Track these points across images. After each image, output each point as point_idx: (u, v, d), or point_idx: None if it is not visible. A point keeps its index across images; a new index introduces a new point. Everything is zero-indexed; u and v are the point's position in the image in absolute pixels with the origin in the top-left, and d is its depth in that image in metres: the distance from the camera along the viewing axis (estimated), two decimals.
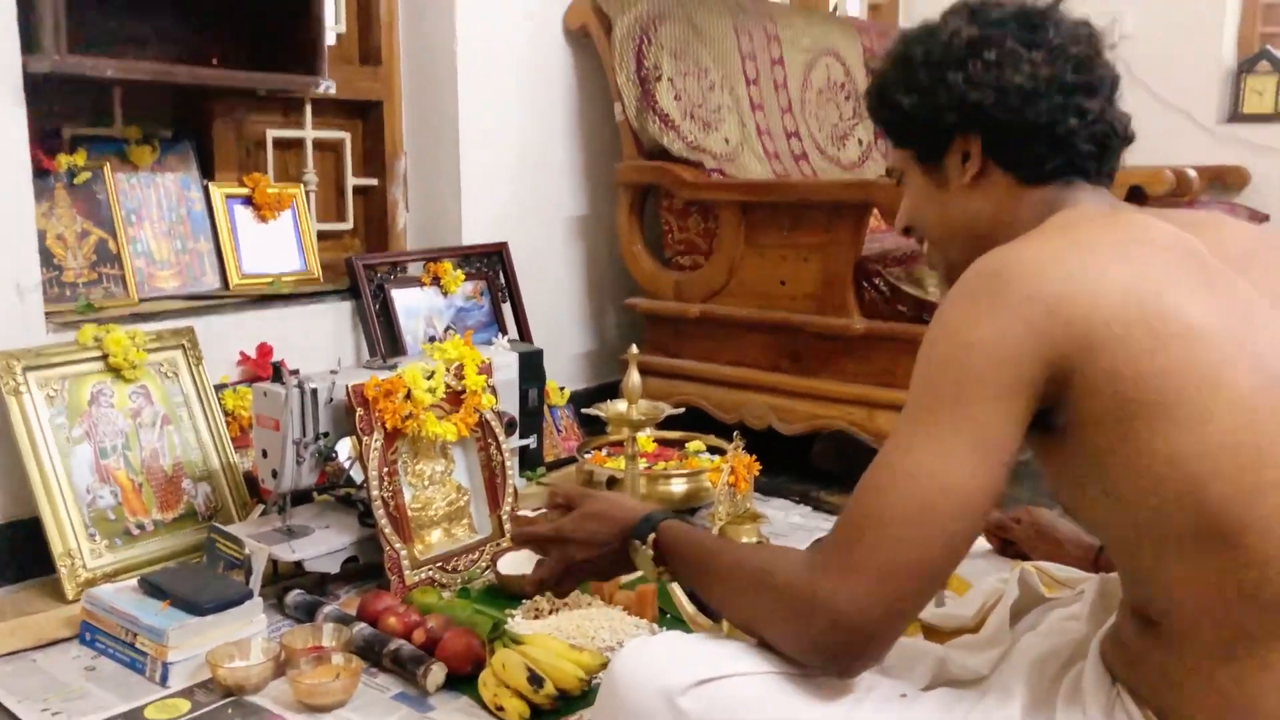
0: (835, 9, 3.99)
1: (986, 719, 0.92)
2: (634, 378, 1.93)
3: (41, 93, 1.89)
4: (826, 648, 0.88)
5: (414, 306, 2.48)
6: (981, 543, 1.41)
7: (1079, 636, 1.03)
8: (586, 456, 2.34)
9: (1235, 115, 4.28)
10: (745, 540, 1.94)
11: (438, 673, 1.48)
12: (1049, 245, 0.93)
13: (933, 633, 1.25)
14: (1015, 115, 1.01)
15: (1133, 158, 4.12)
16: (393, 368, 1.88)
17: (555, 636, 1.54)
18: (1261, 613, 0.84)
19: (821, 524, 2.19)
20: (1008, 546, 1.47)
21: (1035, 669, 0.97)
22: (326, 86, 2.23)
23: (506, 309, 2.65)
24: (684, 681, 0.94)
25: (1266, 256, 0.96)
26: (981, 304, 0.89)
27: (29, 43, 1.82)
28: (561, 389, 2.65)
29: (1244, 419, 0.84)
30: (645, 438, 2.38)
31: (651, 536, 1.07)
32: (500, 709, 1.42)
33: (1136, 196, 3.70)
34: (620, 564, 1.13)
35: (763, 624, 0.95)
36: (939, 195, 1.09)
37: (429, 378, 1.86)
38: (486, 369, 1.98)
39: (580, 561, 1.14)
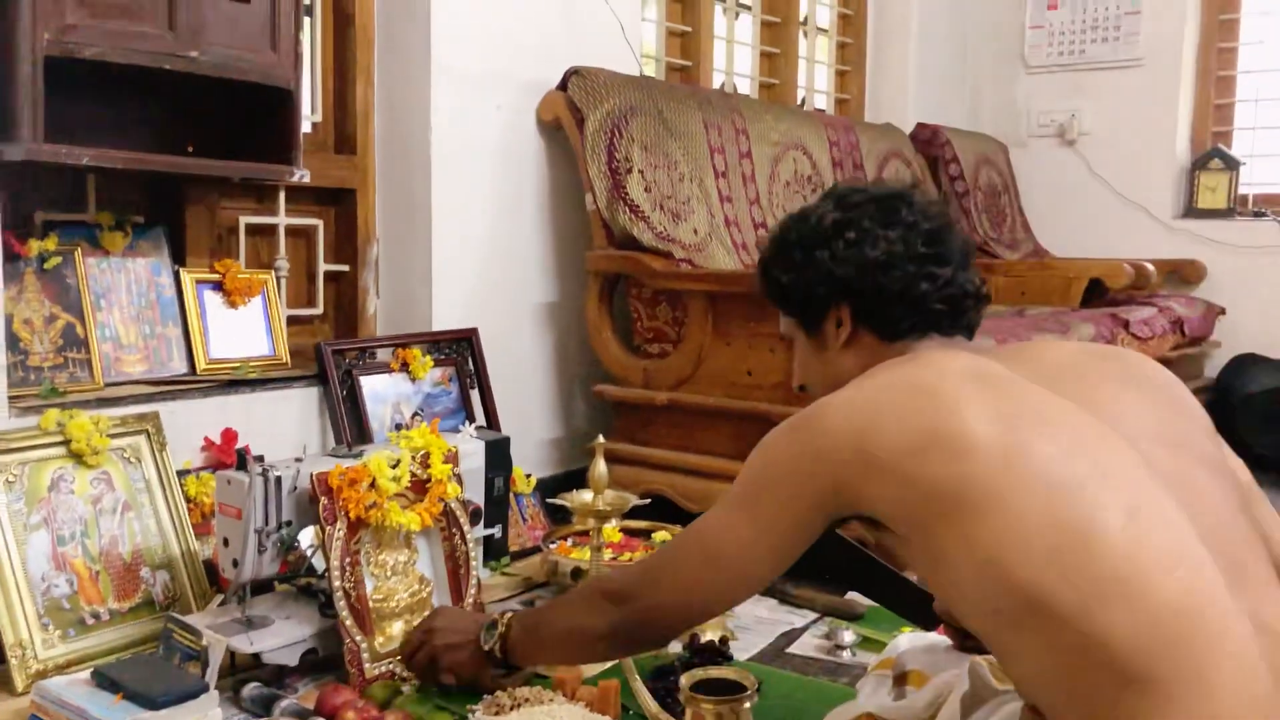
0: (803, 103, 4.10)
1: None
2: (600, 467, 1.93)
3: (15, 178, 1.90)
4: (627, 634, 1.28)
5: (382, 392, 2.48)
6: (941, 638, 1.42)
7: None
8: (551, 547, 2.33)
9: (1190, 210, 4.41)
10: (710, 635, 1.94)
11: None
12: (853, 388, 1.11)
13: None
14: (875, 284, 1.18)
15: (1093, 251, 4.25)
16: (358, 456, 1.88)
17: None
18: (1098, 674, 0.91)
19: (788, 617, 2.18)
20: (966, 640, 1.48)
21: None
22: (301, 176, 2.26)
23: (475, 395, 2.66)
24: None
25: (1082, 365, 1.12)
26: (790, 434, 1.11)
27: (4, 129, 1.84)
28: (528, 476, 2.65)
29: (1037, 505, 0.96)
30: (611, 528, 2.37)
31: (508, 615, 1.52)
32: None
33: (1096, 289, 3.80)
34: (474, 655, 1.59)
35: (588, 624, 1.32)
36: (822, 355, 1.27)
37: (394, 466, 1.86)
38: (452, 458, 1.97)
39: (441, 647, 1.64)
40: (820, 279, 1.22)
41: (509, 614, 1.55)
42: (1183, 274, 4.27)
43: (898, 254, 1.18)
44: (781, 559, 1.13)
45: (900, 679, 1.42)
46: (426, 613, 1.91)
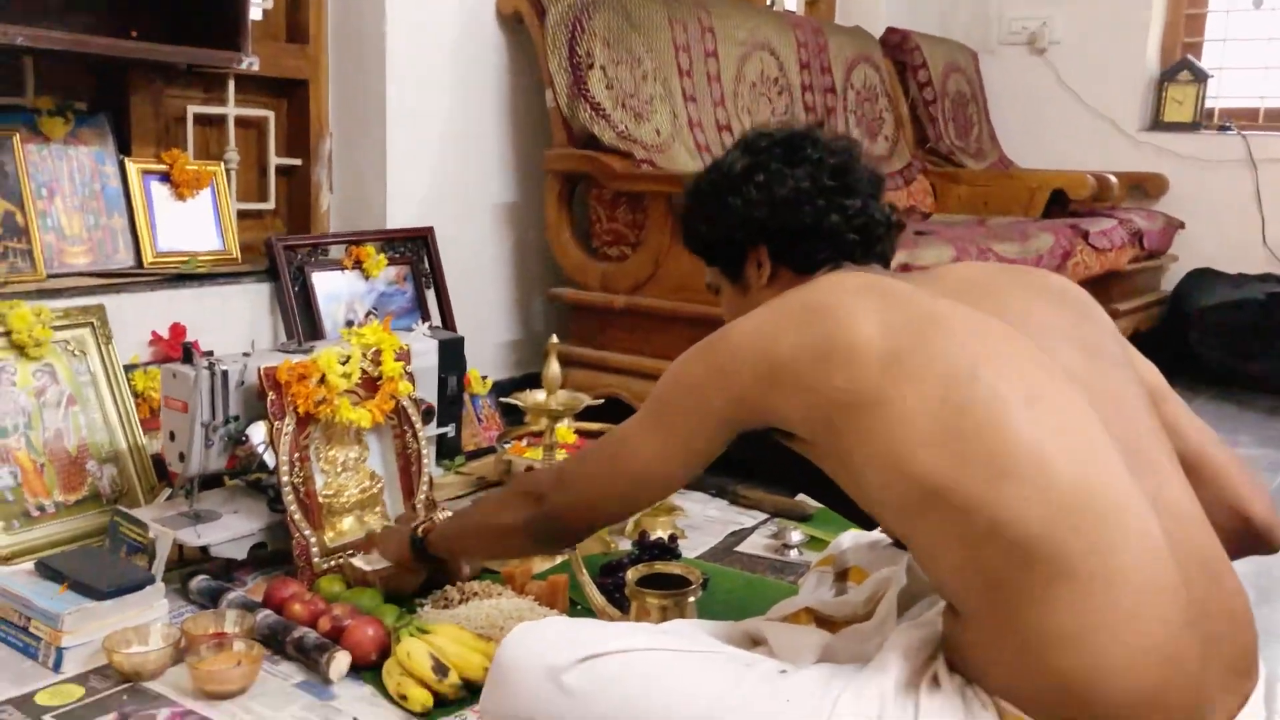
0: (773, 3, 4.01)
1: (859, 693, 0.95)
2: (554, 368, 1.92)
3: None
4: (541, 530, 1.30)
5: (335, 290, 2.45)
6: (882, 536, 1.44)
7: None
8: (506, 447, 2.33)
9: (1156, 123, 4.40)
10: (660, 533, 1.96)
11: (341, 661, 1.47)
12: (757, 312, 1.15)
13: (825, 621, 1.28)
14: (787, 222, 1.22)
15: (1058, 162, 4.24)
16: (308, 351, 1.86)
17: (463, 626, 1.53)
18: (1006, 559, 0.93)
19: (738, 517, 2.21)
20: None
21: (908, 655, 1.00)
22: (250, 63, 2.19)
23: (430, 295, 2.63)
24: (568, 659, 0.97)
25: (993, 279, 1.17)
26: (698, 354, 1.16)
27: None
28: (484, 378, 2.64)
29: (931, 396, 0.99)
30: (566, 428, 2.37)
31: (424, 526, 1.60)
32: (404, 698, 1.41)
33: (1059, 200, 3.80)
34: (399, 541, 1.65)
35: (505, 518, 1.35)
36: (746, 299, 1.27)
37: (344, 363, 1.84)
38: (405, 355, 1.96)
39: (375, 535, 1.74)
40: (736, 223, 1.26)
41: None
42: (1145, 187, 4.27)
43: (805, 190, 1.21)
44: (687, 469, 1.19)
45: (841, 575, 1.45)
46: (377, 509, 1.92)
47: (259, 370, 1.77)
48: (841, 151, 1.26)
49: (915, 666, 1.00)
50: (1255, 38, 4.28)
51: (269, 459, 1.90)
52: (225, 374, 1.76)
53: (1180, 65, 4.31)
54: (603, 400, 2.33)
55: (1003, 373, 1.00)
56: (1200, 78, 4.26)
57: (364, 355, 1.89)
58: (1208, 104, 4.30)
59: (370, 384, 1.90)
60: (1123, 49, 4.36)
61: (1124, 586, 0.90)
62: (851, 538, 1.52)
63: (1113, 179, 3.72)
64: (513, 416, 2.59)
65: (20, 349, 1.87)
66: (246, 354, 1.84)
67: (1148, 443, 1.02)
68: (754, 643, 1.18)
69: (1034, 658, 0.90)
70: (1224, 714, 0.92)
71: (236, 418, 1.79)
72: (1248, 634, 0.99)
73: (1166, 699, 0.88)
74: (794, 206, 1.22)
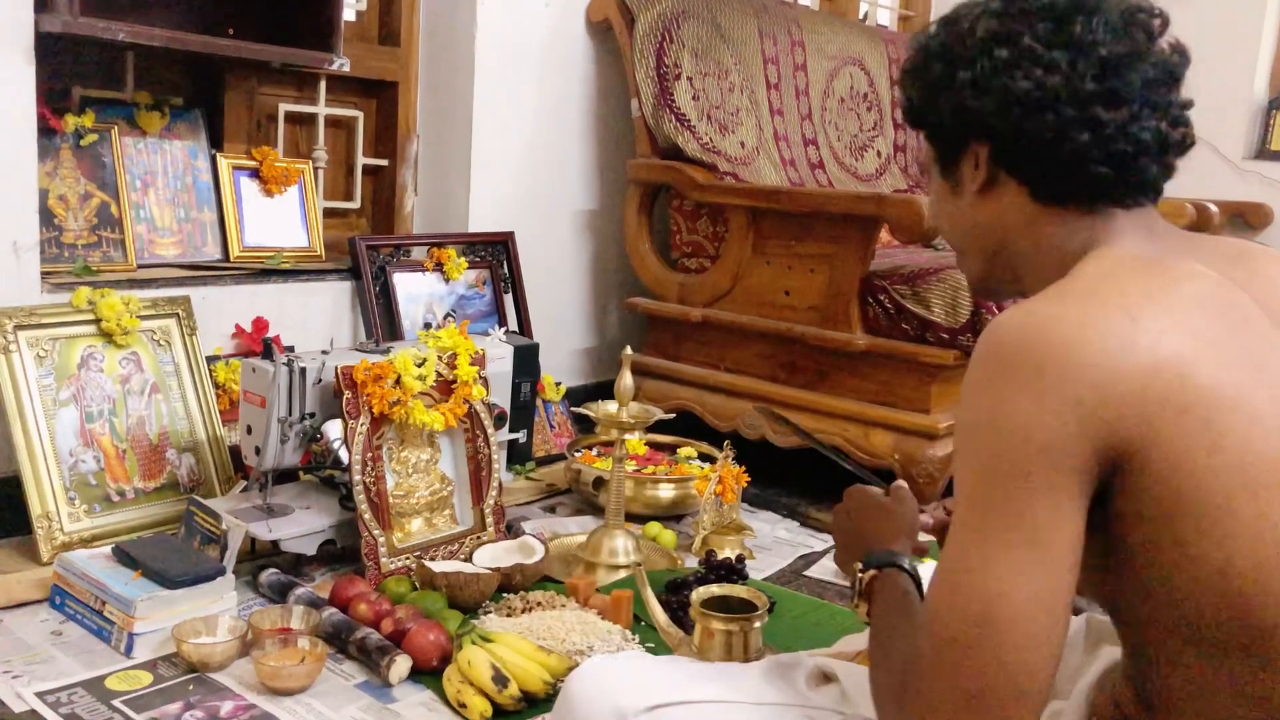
0: (865, 17, 3.96)
1: None
2: (626, 379, 1.91)
3: (52, 52, 1.88)
4: None
5: (415, 291, 2.46)
6: None
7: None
8: (576, 455, 2.32)
9: (1263, 152, 4.24)
10: (728, 552, 1.93)
11: (402, 665, 1.47)
12: (1085, 306, 0.81)
13: None
14: (1018, 126, 0.90)
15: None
16: (385, 352, 1.87)
17: (525, 637, 1.52)
18: (1256, 711, 0.80)
19: (808, 540, 2.17)
20: None
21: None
22: (341, 64, 2.21)
23: (508, 300, 2.64)
24: (638, 705, 0.93)
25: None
26: (1015, 381, 0.78)
27: (42, 1, 1.81)
28: (558, 384, 2.64)
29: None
30: (636, 440, 2.36)
31: (871, 574, 1.06)
32: (463, 706, 1.40)
33: None
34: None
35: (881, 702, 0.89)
36: (953, 200, 1.00)
37: (420, 365, 1.85)
38: (480, 360, 1.96)
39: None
40: (954, 107, 0.94)
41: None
42: (1248, 218, 4.11)
43: (1052, 88, 0.88)
44: (1073, 577, 0.78)
45: None
46: (446, 511, 1.92)
47: (336, 369, 1.78)
48: (1128, 33, 0.90)
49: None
50: None
51: (343, 455, 1.92)
52: (303, 371, 1.78)
53: None
54: (674, 415, 2.30)
55: None
56: None
57: (440, 358, 1.90)
58: None
59: (445, 387, 1.90)
60: (1230, 75, 4.20)
61: None
62: (927, 570, 1.47)
63: (1213, 207, 3.59)
64: (584, 424, 2.58)
65: (109, 336, 1.91)
66: (325, 352, 1.86)
67: None
68: (825, 678, 1.10)
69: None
70: None
71: (313, 414, 1.80)
72: None
73: None
74: (1031, 109, 0.89)
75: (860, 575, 1.05)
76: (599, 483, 2.17)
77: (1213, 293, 0.83)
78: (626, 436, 1.98)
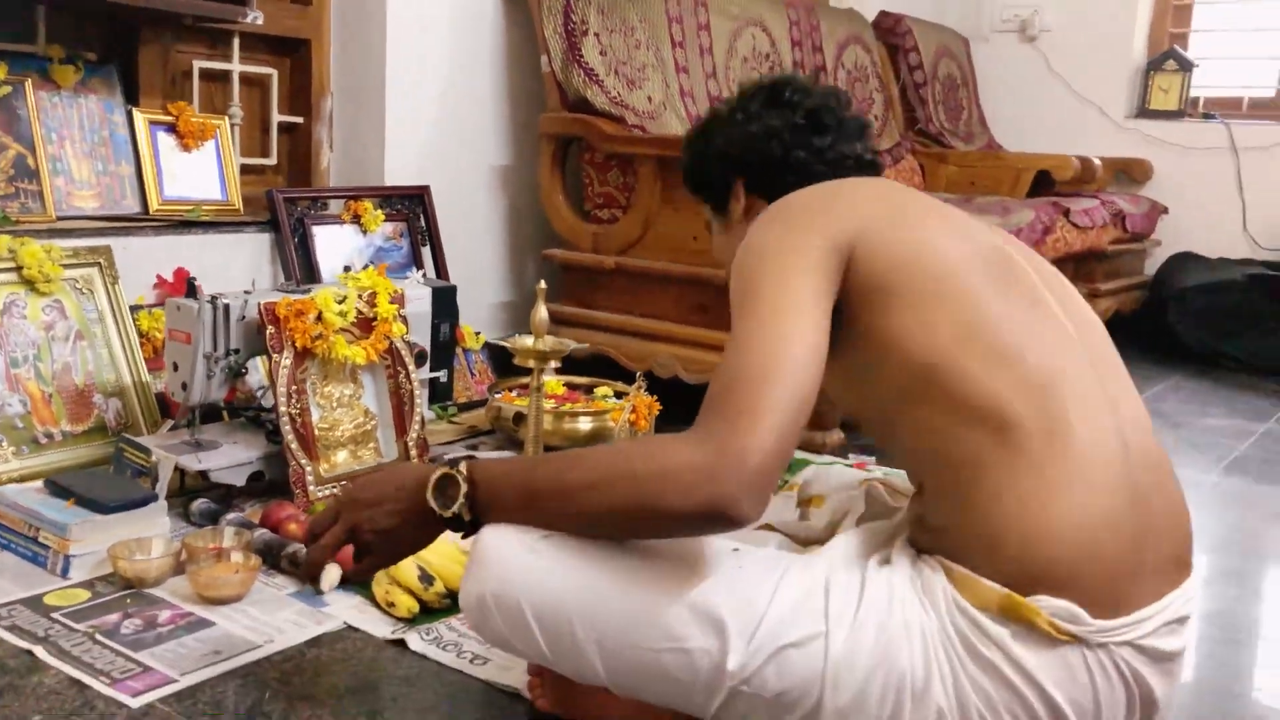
0: None
1: (808, 564, 1.03)
2: (541, 312, 1.99)
3: None
4: (736, 496, 0.92)
5: (333, 244, 2.53)
6: (846, 470, 1.52)
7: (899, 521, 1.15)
8: (496, 396, 2.41)
9: (1142, 111, 4.48)
10: None
11: (332, 573, 1.55)
12: (809, 189, 1.19)
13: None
14: (758, 155, 1.33)
15: (1046, 148, 4.30)
16: (306, 291, 1.94)
17: (449, 541, 1.61)
18: (987, 435, 0.99)
19: None
20: None
21: (861, 539, 1.09)
22: (254, 17, 2.26)
23: (426, 252, 2.71)
24: (540, 532, 1.04)
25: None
26: (773, 224, 1.13)
27: None
28: (478, 334, 2.72)
29: (959, 303, 1.04)
30: (555, 381, 2.45)
31: (461, 466, 1.06)
32: (391, 605, 1.49)
33: (1044, 181, 3.88)
34: (419, 525, 1.11)
35: (647, 507, 0.95)
36: (730, 233, 1.36)
37: (340, 301, 1.92)
38: (399, 299, 2.04)
39: (372, 531, 1.13)
40: (715, 157, 1.38)
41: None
42: (1130, 172, 4.36)
43: (775, 127, 1.32)
44: (825, 333, 1.03)
45: (804, 503, 1.52)
46: (370, 445, 2.00)
47: (259, 305, 1.85)
48: (819, 95, 1.36)
49: (867, 548, 1.08)
50: (1240, 29, 4.36)
51: (268, 401, 1.98)
52: (227, 308, 1.84)
53: (1166, 55, 4.39)
54: (588, 351, 2.40)
55: (992, 265, 1.09)
56: (1186, 67, 4.35)
57: (360, 297, 1.97)
58: (1193, 93, 4.38)
59: (365, 325, 1.98)
60: (1111, 38, 4.44)
61: (1078, 459, 0.98)
62: (813, 470, 1.60)
63: (1096, 161, 3.80)
64: (504, 371, 2.67)
65: (30, 284, 1.94)
66: (248, 291, 1.92)
67: (1111, 358, 1.11)
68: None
69: (989, 519, 0.97)
70: (1153, 593, 1.00)
71: (237, 350, 1.86)
72: (1184, 531, 1.06)
73: (1102, 557, 0.96)
74: (764, 141, 1.33)
75: (452, 473, 1.06)
76: (519, 418, 2.26)
77: (888, 185, 1.23)
78: (545, 378, 2.07)
